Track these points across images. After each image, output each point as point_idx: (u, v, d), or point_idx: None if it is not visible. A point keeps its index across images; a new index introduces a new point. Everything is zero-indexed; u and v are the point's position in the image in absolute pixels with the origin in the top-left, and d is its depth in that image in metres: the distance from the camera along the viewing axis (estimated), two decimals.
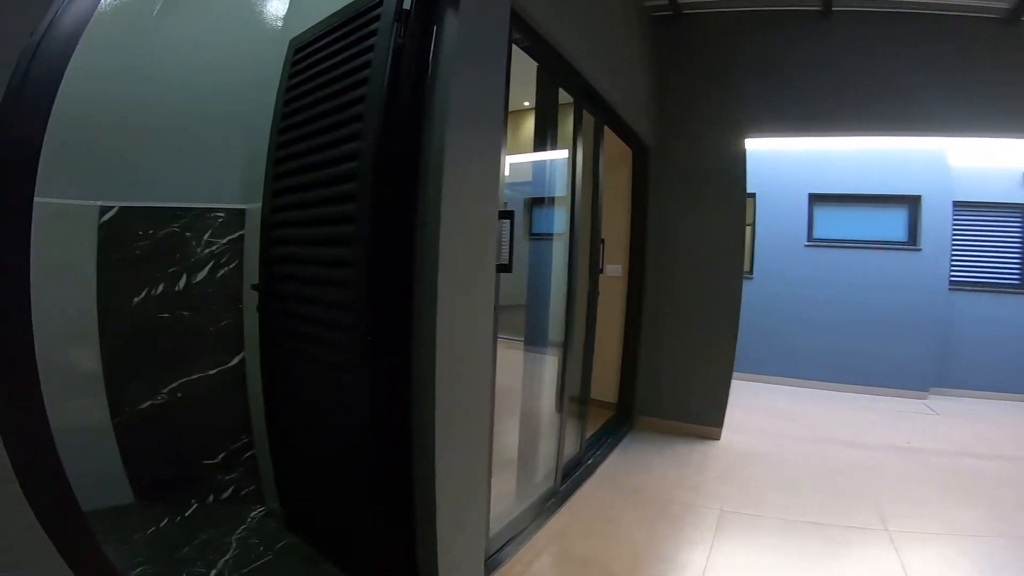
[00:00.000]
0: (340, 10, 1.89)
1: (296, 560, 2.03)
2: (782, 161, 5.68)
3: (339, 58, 1.82)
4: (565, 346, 2.95)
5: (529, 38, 2.26)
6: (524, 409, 3.00)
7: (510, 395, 2.87)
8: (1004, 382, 5.40)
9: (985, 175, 5.49)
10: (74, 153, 2.03)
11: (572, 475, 3.09)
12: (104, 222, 2.15)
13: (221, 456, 2.38)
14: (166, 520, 2.16)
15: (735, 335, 3.93)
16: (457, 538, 1.78)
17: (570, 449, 3.13)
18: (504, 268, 2.05)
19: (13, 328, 0.85)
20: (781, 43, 3.87)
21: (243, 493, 2.41)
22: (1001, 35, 3.52)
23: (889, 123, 3.76)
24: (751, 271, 5.86)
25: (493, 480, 2.11)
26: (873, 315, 5.52)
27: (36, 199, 1.89)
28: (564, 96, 2.89)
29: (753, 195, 5.65)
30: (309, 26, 2.04)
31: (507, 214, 1.99)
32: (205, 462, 2.35)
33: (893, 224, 5.61)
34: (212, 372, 2.37)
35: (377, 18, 1.67)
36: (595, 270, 3.42)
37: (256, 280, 2.17)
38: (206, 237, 2.34)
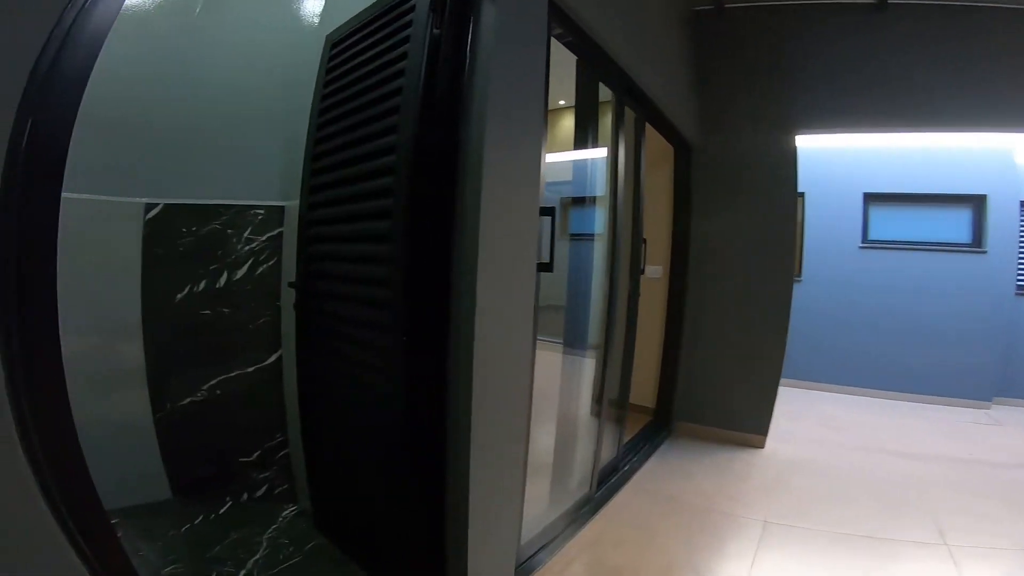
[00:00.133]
0: (375, 3, 1.86)
1: (325, 562, 2.01)
2: (834, 159, 5.42)
3: (375, 51, 1.79)
4: (604, 348, 2.86)
5: (568, 30, 2.18)
6: (561, 412, 2.92)
7: (547, 398, 2.80)
8: None
9: None
10: (123, 152, 2.08)
11: (608, 481, 3.00)
12: (149, 219, 2.19)
13: (256, 454, 2.39)
14: (200, 517, 2.18)
15: (784, 339, 3.75)
16: (488, 546, 1.72)
17: (606, 455, 3.04)
18: (545, 267, 1.98)
19: (39, 325, 0.83)
20: (833, 38, 3.67)
21: (277, 491, 2.41)
22: None
23: (951, 119, 3.53)
24: (800, 273, 5.62)
25: (527, 485, 2.04)
26: (932, 320, 5.21)
27: (84, 196, 1.93)
28: (602, 94, 2.79)
29: (802, 194, 5.42)
30: (345, 21, 2.02)
31: (548, 211, 1.92)
32: (241, 460, 2.37)
33: (956, 225, 5.29)
34: (250, 370, 2.38)
35: (412, 9, 1.64)
36: (636, 271, 3.31)
37: (293, 277, 2.16)
38: (246, 234, 2.36)
